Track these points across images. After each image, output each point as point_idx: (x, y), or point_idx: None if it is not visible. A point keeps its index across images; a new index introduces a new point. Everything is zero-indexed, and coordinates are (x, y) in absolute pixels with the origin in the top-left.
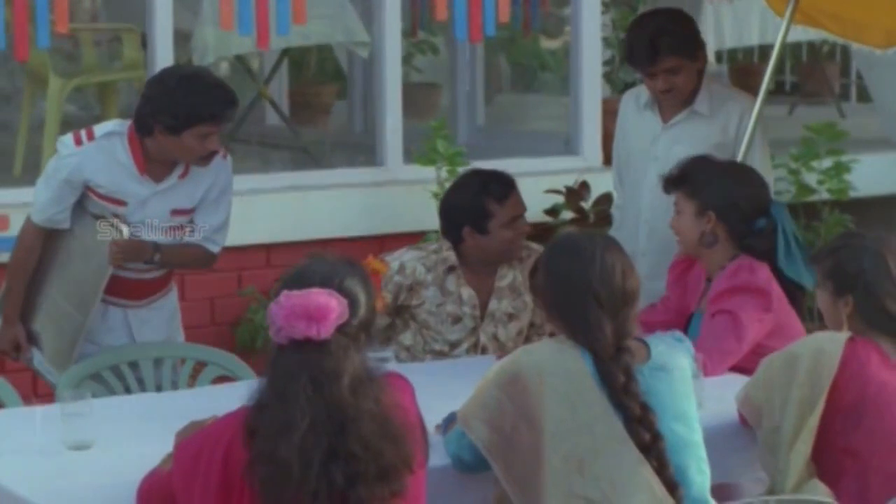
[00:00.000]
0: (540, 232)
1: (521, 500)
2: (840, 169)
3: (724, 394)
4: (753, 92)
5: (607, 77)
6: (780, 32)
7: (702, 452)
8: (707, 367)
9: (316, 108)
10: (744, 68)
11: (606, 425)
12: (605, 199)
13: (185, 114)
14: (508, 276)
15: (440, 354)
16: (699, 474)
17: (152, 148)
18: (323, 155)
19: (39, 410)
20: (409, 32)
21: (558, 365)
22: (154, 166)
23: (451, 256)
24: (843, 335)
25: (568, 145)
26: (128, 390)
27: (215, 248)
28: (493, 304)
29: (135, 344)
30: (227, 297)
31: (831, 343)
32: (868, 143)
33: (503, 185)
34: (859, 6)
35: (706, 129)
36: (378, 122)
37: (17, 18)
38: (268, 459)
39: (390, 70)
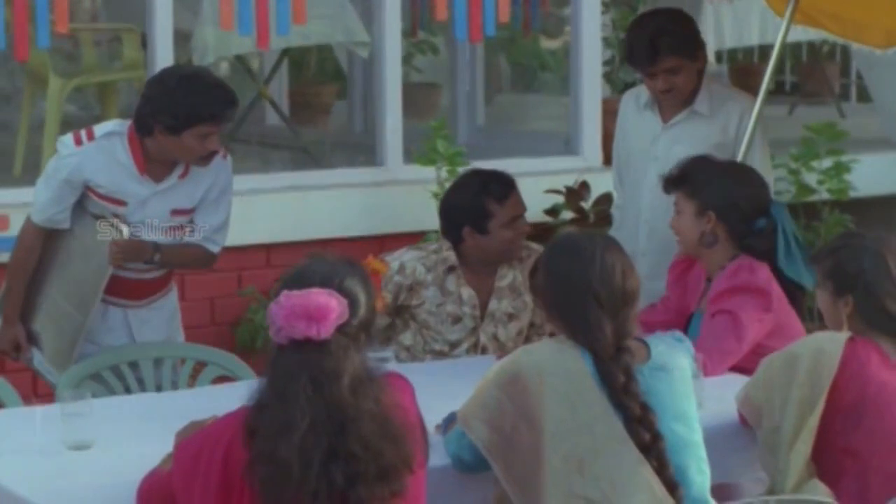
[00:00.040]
0: (540, 232)
1: (521, 500)
2: (840, 169)
3: (724, 394)
4: (754, 92)
5: (607, 77)
6: (779, 32)
7: (702, 452)
8: (707, 367)
9: (316, 108)
10: (744, 68)
11: (606, 425)
12: (606, 199)
13: (185, 114)
14: (508, 276)
15: (440, 354)
16: (699, 474)
17: (152, 148)
18: (323, 155)
19: (39, 410)
20: (409, 32)
21: (558, 365)
22: (154, 166)
23: (451, 256)
24: (843, 335)
25: (568, 145)
26: (128, 390)
27: (215, 248)
28: (493, 304)
29: (135, 344)
30: (227, 297)
31: (831, 343)
32: (868, 143)
33: (503, 185)
34: (859, 6)
35: (706, 129)
36: (378, 122)
37: (17, 18)
38: (268, 459)
39: (390, 70)
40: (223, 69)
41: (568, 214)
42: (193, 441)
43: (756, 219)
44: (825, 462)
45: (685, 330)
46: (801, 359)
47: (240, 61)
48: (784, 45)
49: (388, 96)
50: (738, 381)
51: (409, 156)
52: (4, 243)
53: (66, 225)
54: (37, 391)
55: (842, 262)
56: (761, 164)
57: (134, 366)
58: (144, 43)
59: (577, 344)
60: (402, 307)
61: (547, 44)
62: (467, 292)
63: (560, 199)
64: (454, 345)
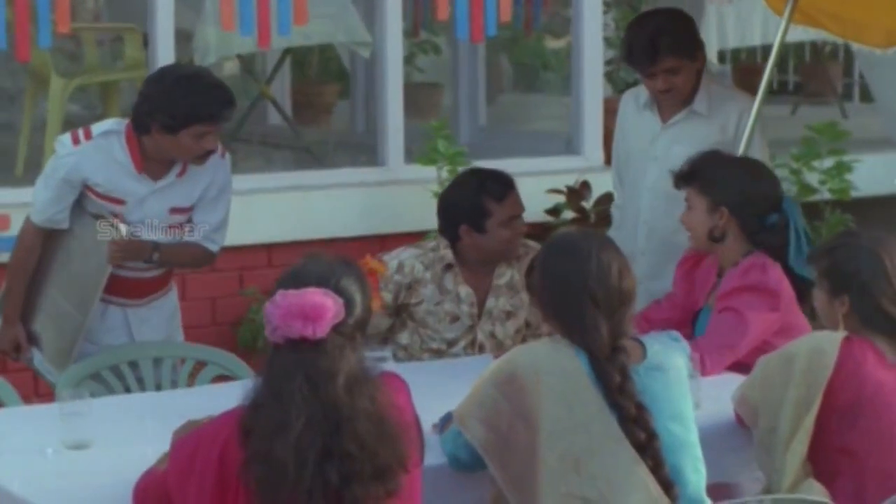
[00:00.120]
0: (541, 232)
1: (517, 500)
2: (841, 169)
3: (721, 393)
4: (757, 92)
5: (609, 77)
6: (777, 32)
7: (697, 452)
8: (707, 364)
9: (318, 107)
10: (747, 68)
11: (602, 425)
12: (607, 198)
13: (182, 113)
14: (506, 275)
15: (437, 353)
16: (695, 473)
17: (150, 146)
18: (325, 155)
19: (39, 410)
20: (411, 32)
21: (554, 364)
22: (152, 165)
23: (449, 254)
24: (840, 335)
25: (569, 145)
26: (127, 390)
27: (214, 248)
28: (490, 302)
29: (134, 343)
30: (228, 297)
31: (827, 343)
32: (870, 143)
33: (501, 185)
34: (859, 6)
35: (705, 128)
36: (379, 122)
37: (19, 18)
38: (263, 459)
39: (391, 70)
40: (226, 69)
41: (569, 214)
42: (189, 440)
43: (768, 214)
44: (821, 462)
45: (693, 325)
46: (797, 358)
47: (242, 61)
48: (783, 45)
49: (389, 96)
50: (734, 381)
51: (411, 156)
52: (6, 243)
53: (65, 225)
54: (38, 391)
55: (838, 262)
56: None
57: (133, 365)
58: (146, 43)
59: (573, 343)
60: (402, 306)
61: (552, 43)
62: (465, 290)
63: (561, 198)
64: (451, 343)
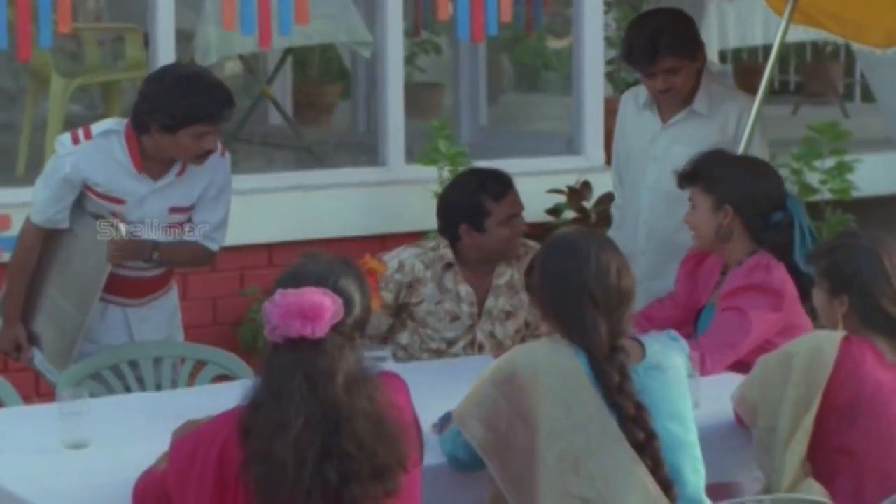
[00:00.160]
0: (541, 232)
1: (516, 499)
2: (842, 169)
3: (721, 393)
4: (758, 92)
5: (610, 77)
6: (777, 32)
7: (696, 452)
8: (707, 362)
9: (319, 107)
10: (749, 68)
11: (601, 424)
12: (607, 198)
13: (182, 113)
14: (506, 274)
15: (437, 353)
16: (694, 473)
17: (149, 146)
18: (326, 155)
19: (39, 410)
20: (412, 32)
21: (553, 364)
22: (151, 164)
23: (449, 254)
24: (839, 334)
25: (570, 145)
26: (127, 389)
27: (214, 247)
28: (490, 302)
29: (134, 343)
30: (229, 297)
31: (827, 342)
32: (871, 143)
33: (500, 184)
34: (859, 6)
35: (705, 128)
36: (380, 122)
37: (20, 18)
38: (262, 458)
39: (392, 70)
40: (227, 69)
41: (570, 214)
42: (188, 440)
43: (772, 212)
44: (820, 461)
45: (695, 323)
46: (796, 358)
47: (243, 61)
48: (783, 45)
49: (390, 96)
50: (734, 381)
51: (412, 156)
52: (7, 243)
53: (65, 224)
54: (38, 390)
55: (838, 262)
56: None
57: (134, 365)
58: (147, 42)
59: (572, 343)
60: (402, 305)
61: (554, 43)
62: (465, 289)
63: (562, 198)
64: (451, 342)
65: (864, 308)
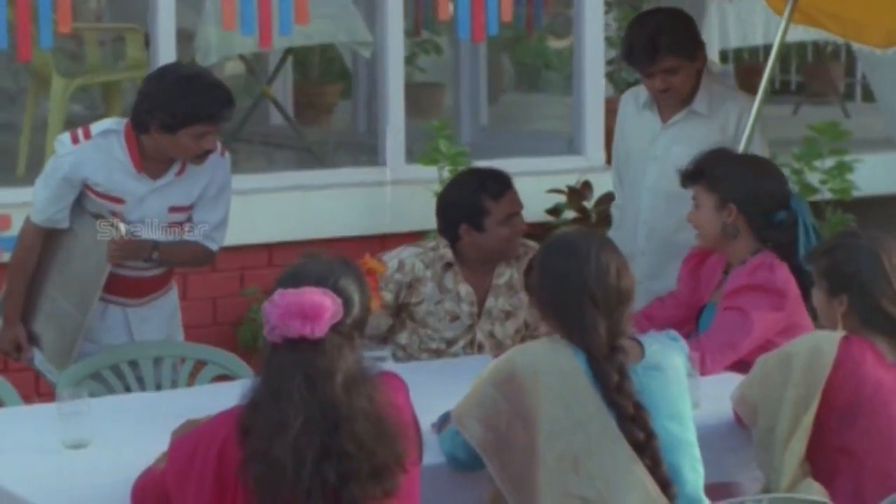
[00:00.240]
0: (542, 232)
1: (515, 499)
2: (843, 169)
3: (721, 393)
4: (758, 92)
5: (610, 77)
6: (777, 31)
7: (695, 451)
8: (708, 362)
9: (320, 107)
10: (750, 68)
11: (600, 424)
12: (608, 198)
13: (181, 113)
14: (506, 274)
15: (436, 353)
16: (693, 473)
17: (148, 145)
18: (326, 154)
19: (39, 409)
20: (412, 32)
21: (553, 364)
22: (151, 163)
23: (448, 253)
24: (838, 334)
25: (571, 145)
26: (128, 389)
27: (214, 246)
28: (489, 302)
29: (134, 343)
30: (229, 297)
31: (826, 342)
32: (872, 143)
33: (499, 183)
34: (859, 6)
35: (705, 128)
36: (381, 122)
37: (20, 19)
38: (262, 458)
39: (393, 70)
40: (228, 69)
41: (570, 214)
42: (188, 440)
43: (776, 211)
44: (820, 461)
45: (696, 322)
46: (795, 358)
47: (244, 61)
48: (783, 45)
49: (390, 96)
50: (734, 380)
51: (413, 156)
52: (7, 243)
53: (65, 224)
54: (39, 390)
55: (838, 262)
56: None
57: (134, 365)
58: (147, 43)
59: (572, 343)
60: (403, 305)
61: (555, 43)
62: (465, 289)
63: (562, 198)
64: (451, 342)
65: (863, 308)
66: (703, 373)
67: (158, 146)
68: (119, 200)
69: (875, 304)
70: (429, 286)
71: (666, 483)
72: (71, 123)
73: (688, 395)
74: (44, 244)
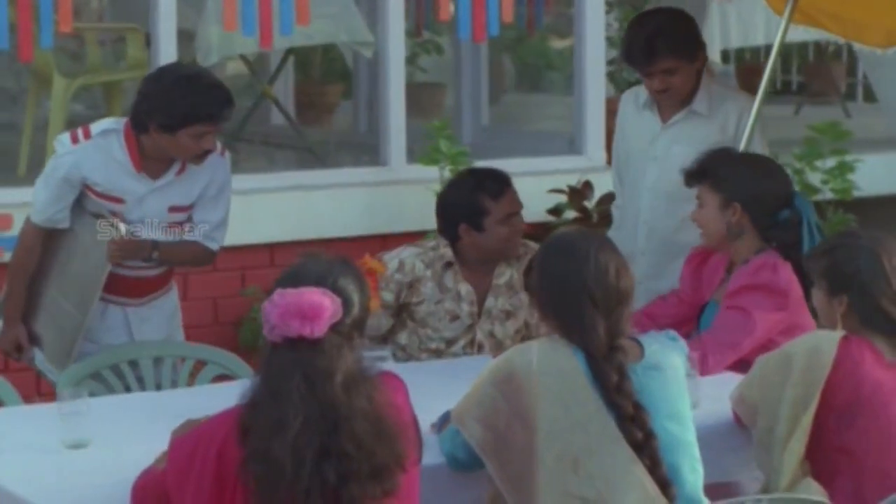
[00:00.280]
0: (543, 232)
1: (515, 499)
2: (844, 169)
3: (721, 393)
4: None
5: (611, 77)
6: (777, 32)
7: (695, 451)
8: (710, 361)
9: (321, 107)
10: (751, 68)
11: (599, 424)
12: (609, 198)
13: (180, 113)
14: (506, 274)
15: (436, 353)
16: (692, 473)
17: (148, 145)
18: (327, 154)
19: (39, 409)
20: (413, 32)
21: (552, 364)
22: (150, 163)
23: (448, 253)
24: (838, 334)
25: (572, 145)
26: (128, 389)
27: (215, 246)
28: (489, 302)
29: (135, 343)
30: (230, 297)
31: (825, 342)
32: (873, 143)
33: (498, 183)
34: (859, 6)
35: (705, 128)
36: (381, 122)
37: (21, 18)
38: (261, 458)
39: (394, 70)
40: (230, 69)
41: (571, 214)
42: (187, 439)
43: (780, 210)
44: (819, 461)
45: (698, 320)
46: (795, 358)
47: (246, 61)
48: (782, 45)
49: (391, 96)
50: (734, 380)
51: (413, 156)
52: (9, 243)
53: (65, 224)
54: (39, 390)
55: (837, 262)
56: None
57: (134, 365)
58: (148, 43)
59: (571, 343)
60: (403, 305)
61: (557, 43)
62: (465, 288)
63: (563, 198)
64: (451, 342)
65: (863, 308)
66: (705, 372)
67: (158, 146)
68: (119, 200)
69: (875, 304)
70: (429, 286)
71: (665, 483)
72: (72, 123)
73: (687, 395)
74: (44, 244)
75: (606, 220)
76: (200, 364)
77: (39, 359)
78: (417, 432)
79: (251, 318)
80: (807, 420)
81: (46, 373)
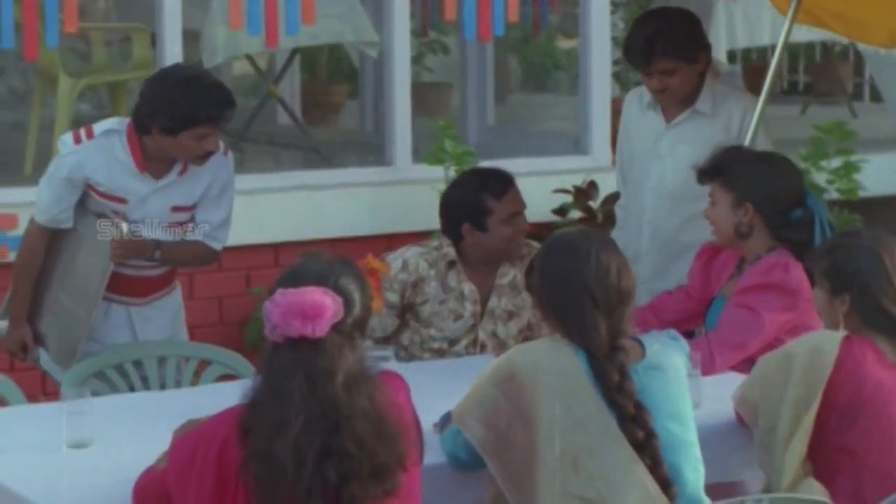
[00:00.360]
0: (548, 232)
1: (516, 499)
2: (849, 169)
3: (723, 393)
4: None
5: (617, 77)
6: (782, 31)
7: (696, 451)
8: (717, 361)
9: (327, 107)
10: (757, 68)
11: (600, 424)
12: (614, 198)
13: (181, 115)
14: (509, 274)
15: (438, 353)
16: (693, 473)
17: (150, 146)
18: (333, 154)
19: (42, 409)
20: (419, 32)
21: (553, 364)
22: (153, 164)
23: (452, 252)
24: (839, 334)
25: (577, 145)
26: (132, 389)
27: (217, 246)
28: (492, 302)
29: (139, 342)
30: (235, 297)
31: (827, 342)
32: (879, 143)
33: (501, 182)
34: (862, 5)
35: (709, 128)
36: (387, 122)
37: (27, 18)
38: (262, 457)
39: (399, 70)
40: (236, 68)
41: (576, 214)
42: (188, 439)
43: (792, 209)
44: (821, 461)
45: (705, 315)
46: (796, 358)
47: (252, 61)
48: (788, 45)
49: (396, 96)
50: (736, 380)
51: (419, 155)
52: (15, 242)
53: (69, 224)
54: (45, 390)
55: (839, 262)
56: None
57: (138, 364)
58: (154, 42)
59: (572, 343)
60: (408, 305)
61: (564, 43)
62: (468, 287)
63: (568, 198)
64: (453, 342)
65: (864, 307)
66: (712, 372)
67: (160, 147)
68: (121, 200)
69: (876, 303)
70: (432, 285)
71: (666, 483)
72: (78, 123)
73: (688, 394)
74: (49, 244)
75: (611, 220)
76: (204, 364)
77: (45, 359)
78: (419, 432)
79: (256, 317)
80: (808, 420)
81: (51, 373)
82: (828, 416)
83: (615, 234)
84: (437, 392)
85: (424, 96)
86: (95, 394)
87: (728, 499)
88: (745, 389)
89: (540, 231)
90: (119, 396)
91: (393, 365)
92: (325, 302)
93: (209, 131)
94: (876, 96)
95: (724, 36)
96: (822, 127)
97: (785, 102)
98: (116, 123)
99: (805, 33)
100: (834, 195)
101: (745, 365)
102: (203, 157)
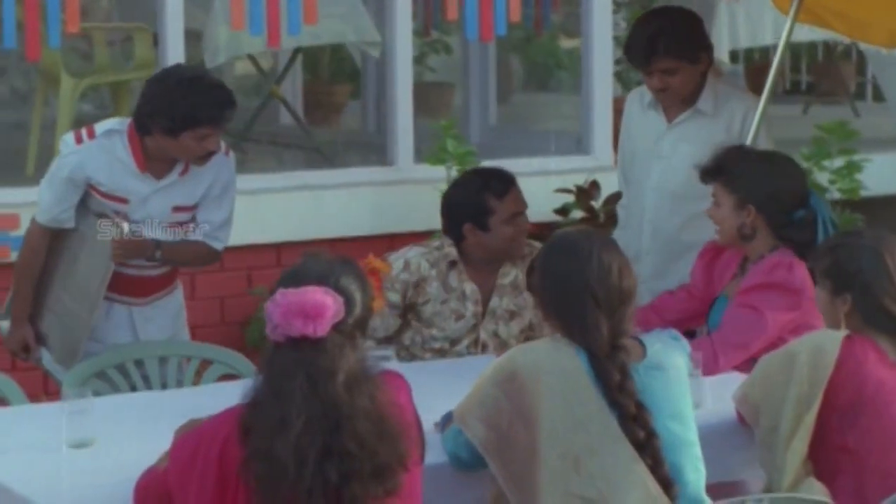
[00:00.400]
0: (550, 232)
1: (517, 498)
2: (851, 168)
3: (724, 392)
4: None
5: (619, 76)
6: (784, 31)
7: (697, 451)
8: (721, 361)
9: (329, 107)
10: (760, 68)
11: (602, 423)
12: (616, 198)
13: (182, 116)
14: (511, 274)
15: (440, 352)
16: (694, 472)
17: (151, 146)
18: (335, 154)
19: (43, 408)
20: (422, 32)
21: (554, 363)
22: (154, 164)
23: (453, 252)
24: (841, 333)
25: (579, 145)
26: (133, 388)
27: (219, 246)
28: (494, 302)
29: (140, 342)
30: (236, 297)
31: (829, 341)
32: (881, 143)
33: (503, 182)
34: (863, 5)
35: (710, 128)
36: (389, 122)
37: (29, 18)
38: (263, 457)
39: (401, 70)
40: (238, 68)
41: (578, 214)
42: (189, 438)
43: (795, 210)
44: (822, 460)
45: (707, 315)
46: (798, 357)
47: (254, 61)
48: (789, 44)
49: (398, 96)
50: (737, 380)
51: (421, 155)
52: (17, 242)
53: (70, 224)
54: (47, 389)
55: (840, 261)
56: None
57: (139, 364)
58: (156, 42)
59: (574, 342)
60: (410, 305)
61: (566, 43)
62: (470, 287)
63: (571, 198)
64: (455, 342)
65: (866, 307)
66: (715, 371)
67: (161, 148)
68: (123, 200)
69: (878, 303)
70: (434, 285)
71: (667, 482)
72: (80, 123)
73: (689, 394)
74: (50, 244)
75: (613, 219)
76: (206, 363)
77: (46, 359)
78: (420, 432)
79: (258, 317)
80: (810, 419)
81: (53, 372)
82: (829, 415)
83: (617, 233)
84: (438, 392)
85: (426, 96)
86: (97, 393)
87: (729, 498)
88: (746, 389)
89: (542, 231)
90: (120, 396)
91: (394, 365)
92: (325, 302)
93: (210, 131)
94: (878, 96)
95: (726, 36)
96: (825, 126)
97: (787, 102)
98: (118, 123)
99: (807, 33)
100: (836, 195)
101: (748, 364)
102: (204, 157)
